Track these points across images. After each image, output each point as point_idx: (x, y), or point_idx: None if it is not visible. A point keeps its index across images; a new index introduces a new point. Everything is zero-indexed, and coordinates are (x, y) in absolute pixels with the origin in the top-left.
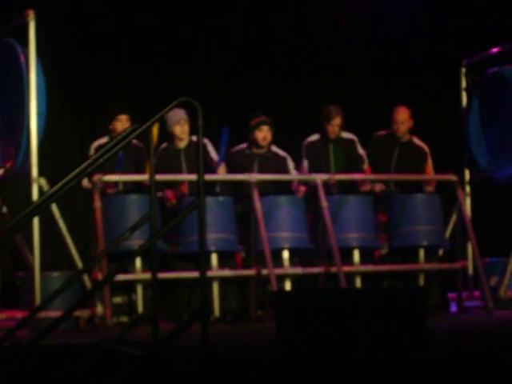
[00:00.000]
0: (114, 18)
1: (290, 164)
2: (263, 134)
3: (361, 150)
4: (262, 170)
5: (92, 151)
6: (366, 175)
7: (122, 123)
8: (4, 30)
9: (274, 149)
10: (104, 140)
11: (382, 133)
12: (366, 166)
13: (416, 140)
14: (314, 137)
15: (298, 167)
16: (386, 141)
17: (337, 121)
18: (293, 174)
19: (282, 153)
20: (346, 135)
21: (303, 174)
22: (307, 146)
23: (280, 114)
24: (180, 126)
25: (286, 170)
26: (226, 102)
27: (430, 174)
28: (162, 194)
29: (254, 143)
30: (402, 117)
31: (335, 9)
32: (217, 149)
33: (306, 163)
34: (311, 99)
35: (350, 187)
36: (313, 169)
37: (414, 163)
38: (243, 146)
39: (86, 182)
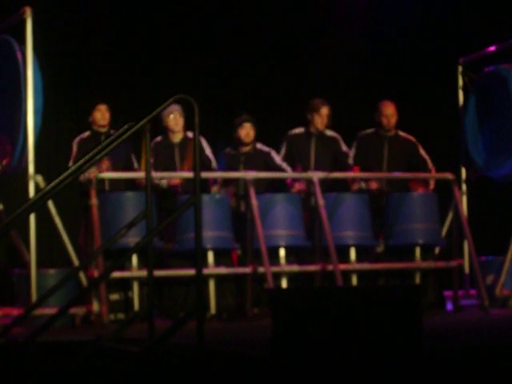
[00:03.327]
0: (111, 16)
1: (275, 157)
2: (246, 130)
3: (345, 147)
4: (247, 169)
5: (74, 146)
6: (357, 173)
7: (101, 113)
8: (1, 27)
9: (259, 146)
10: (86, 134)
11: (367, 131)
12: (351, 162)
13: (402, 133)
14: (299, 130)
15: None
16: (374, 138)
17: (325, 110)
18: (280, 166)
19: (265, 148)
20: (329, 133)
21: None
22: (290, 137)
23: (269, 112)
24: (173, 116)
25: (271, 164)
26: (220, 101)
27: (427, 161)
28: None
29: (238, 141)
30: (390, 110)
31: (332, 5)
32: (213, 148)
33: (283, 151)
34: (304, 97)
35: (339, 185)
36: (294, 161)
37: (405, 156)
38: (228, 148)
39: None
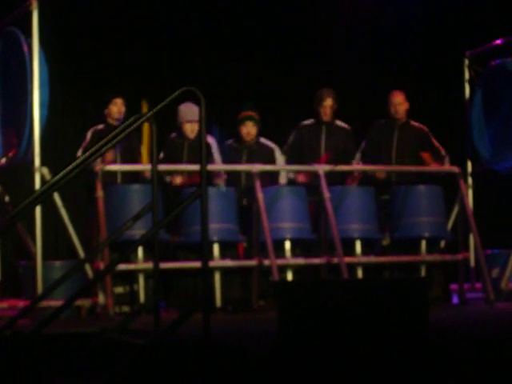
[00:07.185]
0: (117, 7)
1: (278, 155)
2: (247, 129)
3: (351, 144)
4: (250, 162)
5: (88, 135)
6: (364, 167)
7: (117, 107)
8: (7, 19)
9: (262, 140)
10: (101, 126)
11: (380, 121)
12: (355, 162)
13: (413, 122)
14: (309, 121)
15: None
16: (384, 127)
17: (328, 102)
18: (281, 165)
19: (270, 144)
20: (340, 124)
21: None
22: (300, 128)
23: (275, 103)
24: (191, 126)
25: (273, 161)
26: (224, 93)
27: (440, 148)
28: (171, 179)
29: (240, 136)
30: (398, 99)
31: None
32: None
33: (291, 140)
34: (309, 88)
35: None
36: (303, 152)
37: (415, 144)
38: (231, 140)
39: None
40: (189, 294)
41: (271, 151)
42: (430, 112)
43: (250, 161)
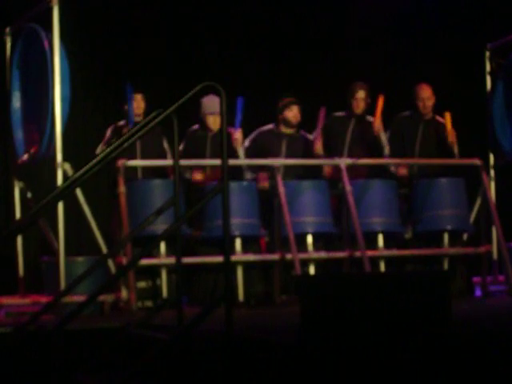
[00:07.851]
0: (138, 2)
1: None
2: (293, 113)
3: (384, 138)
4: (289, 150)
5: (108, 132)
6: (389, 159)
7: (137, 102)
8: (28, 15)
9: (302, 132)
10: (121, 122)
11: (405, 114)
12: (387, 152)
13: (439, 118)
14: (340, 113)
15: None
16: (409, 121)
17: (361, 94)
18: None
19: (309, 136)
20: (370, 118)
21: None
22: (329, 119)
23: (305, 93)
24: (213, 118)
25: (311, 153)
26: (250, 84)
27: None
28: (190, 175)
29: (283, 122)
30: (427, 92)
31: None
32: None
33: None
34: (334, 83)
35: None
36: (330, 144)
37: (439, 140)
38: (270, 126)
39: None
40: (211, 288)
41: (311, 143)
42: (451, 104)
43: (289, 148)
